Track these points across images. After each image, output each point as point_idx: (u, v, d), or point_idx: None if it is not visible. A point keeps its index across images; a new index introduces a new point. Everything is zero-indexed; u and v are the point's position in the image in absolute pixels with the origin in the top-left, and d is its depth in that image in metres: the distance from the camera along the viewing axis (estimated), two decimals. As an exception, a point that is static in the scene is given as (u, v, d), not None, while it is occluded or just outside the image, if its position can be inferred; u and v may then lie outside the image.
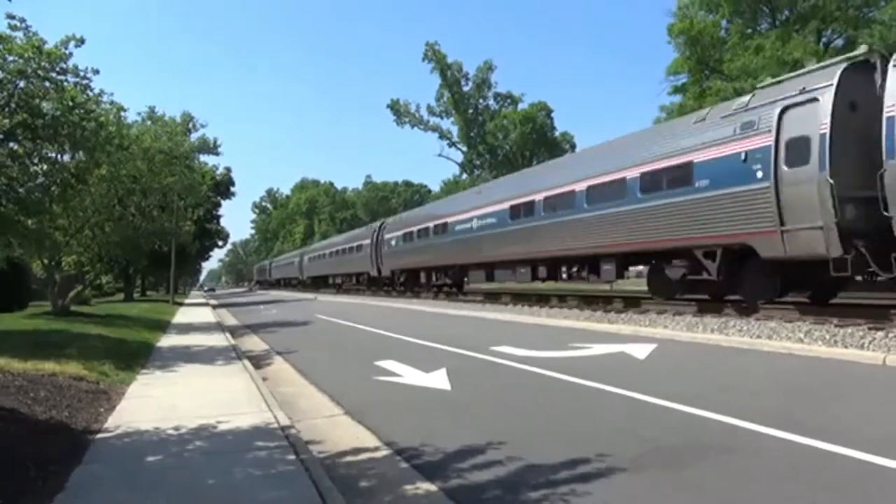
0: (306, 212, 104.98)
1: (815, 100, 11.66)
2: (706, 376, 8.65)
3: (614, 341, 11.96)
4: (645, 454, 5.08)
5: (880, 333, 9.72)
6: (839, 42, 32.60)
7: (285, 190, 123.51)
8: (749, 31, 34.39)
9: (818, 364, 8.96)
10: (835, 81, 11.46)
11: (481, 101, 66.28)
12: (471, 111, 65.49)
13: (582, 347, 11.38)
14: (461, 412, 7.05)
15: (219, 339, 15.42)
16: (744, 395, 7.12)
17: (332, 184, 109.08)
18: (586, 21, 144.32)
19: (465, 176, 66.71)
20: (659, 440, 5.49)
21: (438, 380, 8.88)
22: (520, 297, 23.96)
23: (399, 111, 66.91)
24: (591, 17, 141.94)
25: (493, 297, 25.93)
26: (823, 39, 32.94)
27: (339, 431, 6.46)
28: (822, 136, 11.38)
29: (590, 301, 19.62)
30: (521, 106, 66.01)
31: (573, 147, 63.65)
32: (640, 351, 10.62)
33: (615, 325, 14.25)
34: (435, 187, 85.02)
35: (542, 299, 22.32)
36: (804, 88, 12.03)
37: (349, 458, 5.45)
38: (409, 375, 9.41)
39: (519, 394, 7.94)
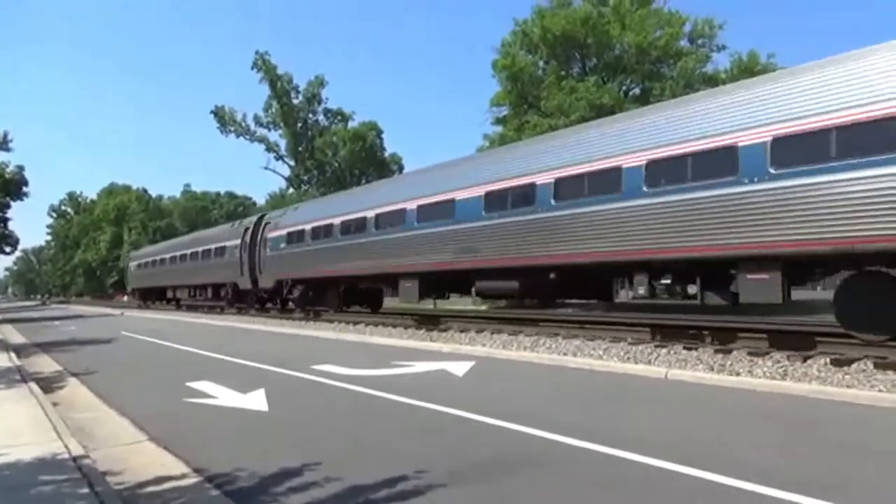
0: (115, 219, 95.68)
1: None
2: (520, 392, 9.18)
3: (435, 359, 12.29)
4: (463, 469, 5.27)
5: (664, 350, 10.99)
6: (637, 91, 36.72)
7: (91, 194, 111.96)
8: (563, 73, 37.53)
9: (615, 379, 9.90)
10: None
11: (311, 115, 65.31)
12: (300, 125, 64.25)
13: (404, 365, 11.56)
14: (279, 434, 6.83)
15: (-2, 360, 13.53)
16: (553, 409, 7.66)
17: (145, 190, 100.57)
18: (419, 47, 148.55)
19: (291, 190, 65.12)
20: (477, 455, 5.73)
21: (256, 401, 8.54)
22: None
23: (224, 119, 63.85)
24: (424, 44, 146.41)
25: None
26: (623, 88, 36.90)
27: (142, 459, 5.95)
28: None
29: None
30: (351, 124, 66.00)
31: (401, 168, 64.82)
32: (460, 368, 11.02)
33: (437, 343, 14.65)
34: (261, 200, 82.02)
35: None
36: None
37: (152, 488, 5.04)
38: (225, 397, 8.93)
39: (340, 413, 7.87)
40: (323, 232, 22.82)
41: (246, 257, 29.05)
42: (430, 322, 18.54)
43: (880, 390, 7.87)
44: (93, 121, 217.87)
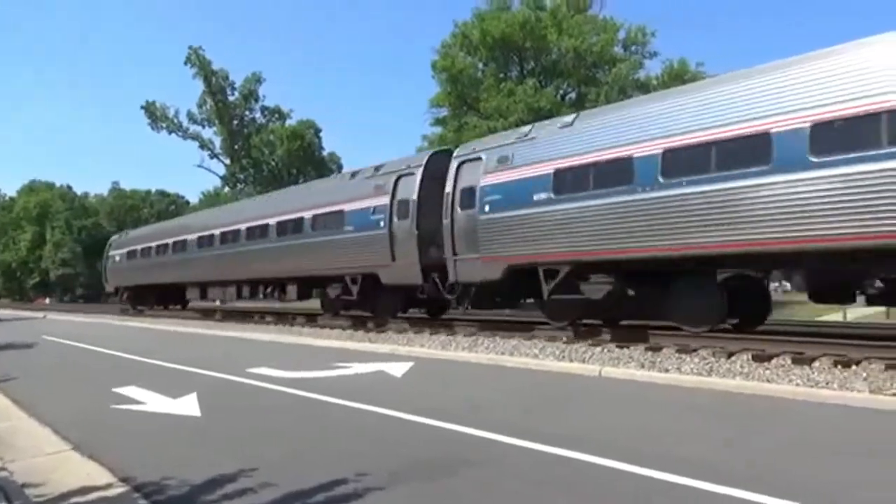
0: (36, 217, 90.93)
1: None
2: (459, 392, 9.25)
3: (373, 360, 12.23)
4: (403, 471, 5.25)
5: (598, 349, 11.27)
6: (573, 96, 37.54)
7: (10, 191, 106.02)
8: (502, 75, 38.02)
9: (551, 377, 10.09)
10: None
11: (247, 113, 63.87)
12: (236, 122, 62.77)
13: (341, 367, 11.46)
14: (212, 439, 6.66)
15: None
16: (492, 409, 7.75)
17: (69, 187, 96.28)
18: (357, 46, 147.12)
19: (227, 189, 63.52)
20: (416, 456, 5.73)
21: (187, 406, 8.29)
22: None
23: (155, 114, 61.69)
24: (363, 43, 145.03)
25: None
26: (560, 92, 37.66)
27: (64, 470, 5.69)
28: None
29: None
30: (288, 122, 64.92)
31: (340, 167, 64.12)
32: (398, 369, 11.01)
33: (375, 345, 14.59)
34: (194, 199, 79.73)
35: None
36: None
37: (75, 500, 4.83)
38: (154, 402, 8.64)
39: (275, 417, 7.73)
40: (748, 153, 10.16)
41: (408, 226, 16.03)
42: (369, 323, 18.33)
43: (797, 384, 8.30)
44: (11, 113, 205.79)
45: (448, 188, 15.08)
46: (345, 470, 5.17)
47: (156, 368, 12.42)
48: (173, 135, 62.69)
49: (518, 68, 38.89)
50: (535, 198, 13.04)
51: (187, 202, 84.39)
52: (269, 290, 23.22)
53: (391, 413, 7.39)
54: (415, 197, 16.06)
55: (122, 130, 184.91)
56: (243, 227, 23.39)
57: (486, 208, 14.05)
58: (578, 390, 9.10)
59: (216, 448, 6.26)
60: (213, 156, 63.75)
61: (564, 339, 12.50)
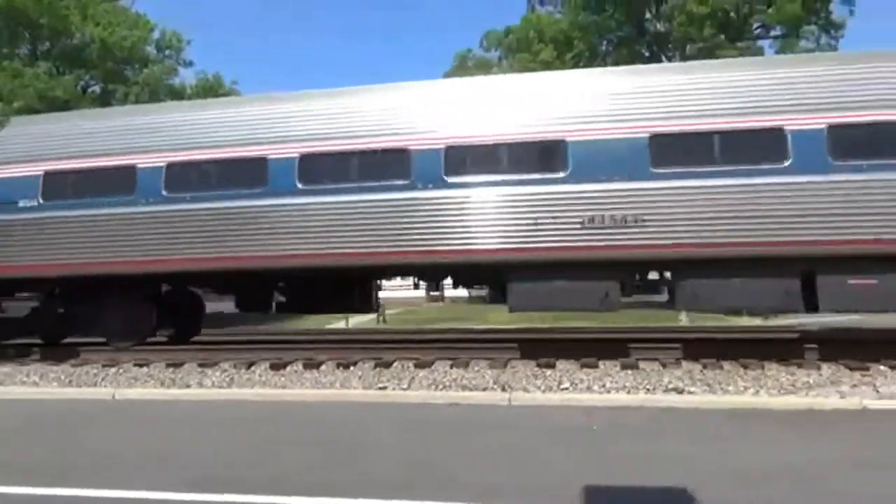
0: None
1: None
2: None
3: None
4: None
5: (113, 370, 10.36)
6: (97, 90, 34.10)
7: None
8: (6, 51, 32.08)
9: (53, 406, 8.82)
10: None
11: None
12: None
13: None
14: None
15: None
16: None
17: None
18: None
19: None
20: None
21: None
22: None
23: None
24: None
25: None
26: (82, 83, 33.76)
27: None
28: None
29: None
30: None
31: None
32: None
33: None
34: None
35: None
36: None
37: None
38: None
39: None
40: None
41: None
42: None
43: (307, 387, 9.19)
44: None
45: None
46: None
47: None
48: None
49: (30, 47, 33.37)
50: None
51: None
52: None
53: None
54: None
55: None
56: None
57: None
58: (90, 417, 8.16)
59: None
60: None
61: (72, 361, 11.14)
